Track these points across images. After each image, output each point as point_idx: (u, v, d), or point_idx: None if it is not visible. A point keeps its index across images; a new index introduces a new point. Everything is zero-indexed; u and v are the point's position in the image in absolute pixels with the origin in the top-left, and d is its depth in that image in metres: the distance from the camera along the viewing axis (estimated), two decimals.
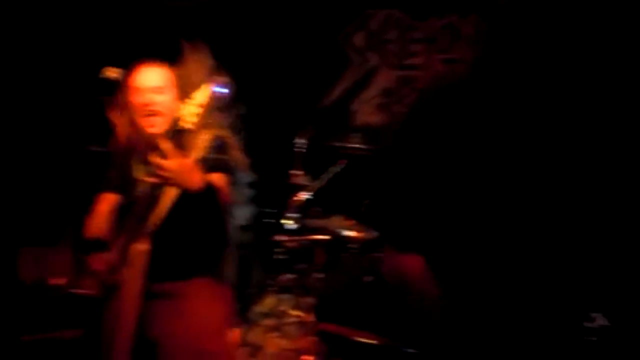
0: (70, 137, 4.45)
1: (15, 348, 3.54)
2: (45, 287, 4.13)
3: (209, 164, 2.05)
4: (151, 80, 2.27)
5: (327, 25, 4.78)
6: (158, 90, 2.25)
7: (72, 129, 4.42)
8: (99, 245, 2.18)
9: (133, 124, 2.28)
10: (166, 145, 1.95)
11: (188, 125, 1.94)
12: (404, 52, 4.73)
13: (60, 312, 3.93)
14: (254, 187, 4.63)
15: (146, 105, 2.23)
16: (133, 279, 2.02)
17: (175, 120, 1.96)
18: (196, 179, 2.00)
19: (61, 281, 4.18)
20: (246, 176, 4.68)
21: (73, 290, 3.93)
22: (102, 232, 2.26)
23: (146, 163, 2.23)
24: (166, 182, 1.97)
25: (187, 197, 2.01)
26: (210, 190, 2.06)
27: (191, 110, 1.95)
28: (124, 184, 2.28)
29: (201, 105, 1.96)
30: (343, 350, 3.17)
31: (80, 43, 4.75)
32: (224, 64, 4.52)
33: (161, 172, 1.92)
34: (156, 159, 1.92)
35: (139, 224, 2.02)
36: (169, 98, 2.27)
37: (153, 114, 2.23)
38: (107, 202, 2.36)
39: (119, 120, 2.27)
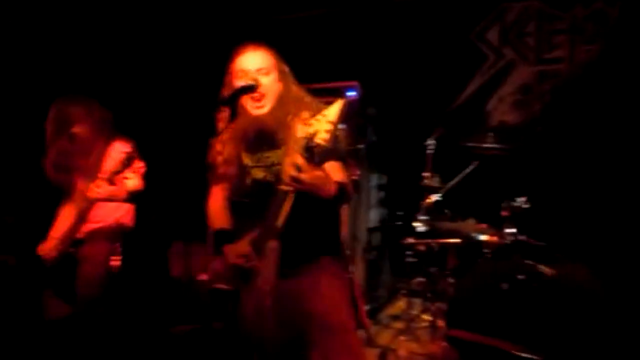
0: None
1: (166, 339, 3.83)
2: (194, 281, 4.42)
3: (324, 153, 2.08)
4: (256, 62, 2.30)
5: (459, 21, 4.63)
6: (263, 71, 2.28)
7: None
8: (227, 236, 2.34)
9: (239, 109, 2.32)
10: (300, 160, 1.98)
11: (322, 142, 1.94)
12: (544, 45, 4.45)
13: (207, 305, 4.16)
14: (383, 189, 4.70)
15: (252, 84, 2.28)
16: (268, 271, 2.19)
17: (310, 136, 1.94)
18: (330, 189, 2.15)
19: (205, 276, 4.43)
20: (376, 178, 4.72)
21: (215, 285, 4.16)
22: (225, 224, 2.41)
23: (256, 153, 2.35)
24: (302, 191, 2.05)
25: (311, 198, 2.11)
26: (341, 192, 2.19)
27: (324, 127, 1.94)
28: (233, 175, 2.39)
29: (333, 122, 1.95)
30: (474, 357, 3.04)
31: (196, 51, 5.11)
32: (353, 67, 4.62)
33: (298, 185, 2.01)
34: (293, 173, 1.98)
35: (270, 223, 2.14)
36: (273, 79, 2.30)
37: (259, 95, 2.27)
38: (220, 195, 2.48)
39: (224, 110, 2.29)
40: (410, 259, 3.90)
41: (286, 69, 2.37)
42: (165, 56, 5.23)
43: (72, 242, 3.19)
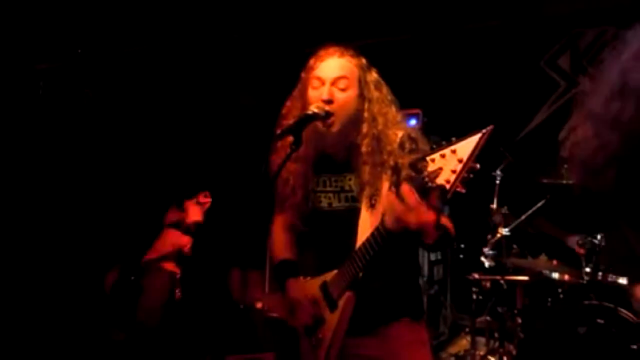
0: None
1: None
2: (250, 309, 4.36)
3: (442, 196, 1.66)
4: (334, 70, 1.94)
5: (529, 47, 4.46)
6: (341, 84, 1.93)
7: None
8: (291, 269, 2.11)
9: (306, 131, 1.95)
10: (413, 197, 1.62)
11: (444, 183, 1.52)
12: None
13: (262, 334, 4.09)
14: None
15: (325, 99, 1.91)
16: (337, 325, 1.92)
17: (430, 175, 1.54)
18: (434, 232, 1.75)
19: (260, 305, 4.37)
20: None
21: (269, 314, 4.09)
22: (288, 255, 2.16)
23: (322, 176, 2.05)
24: (404, 230, 1.70)
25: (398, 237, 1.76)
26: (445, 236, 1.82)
27: (451, 166, 1.52)
28: (299, 202, 2.08)
29: (463, 162, 1.51)
30: None
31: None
32: (415, 94, 4.51)
33: (402, 223, 1.68)
34: (426, 217, 1.65)
35: (351, 269, 1.87)
36: (350, 96, 1.94)
37: (331, 111, 1.90)
38: (284, 223, 2.19)
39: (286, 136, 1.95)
40: (476, 296, 3.69)
41: (373, 86, 1.98)
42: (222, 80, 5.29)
43: (134, 271, 3.18)
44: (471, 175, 1.54)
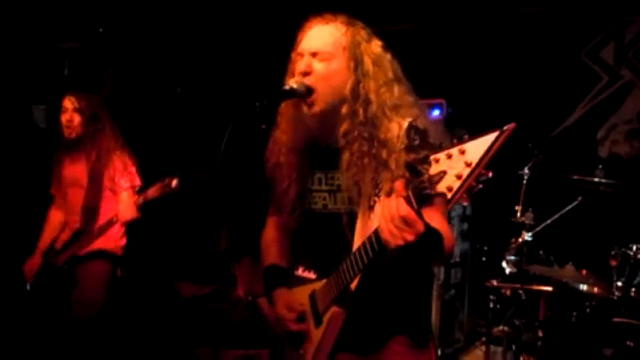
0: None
1: None
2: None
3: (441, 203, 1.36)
4: (315, 41, 1.66)
5: (569, 37, 4.11)
6: (320, 56, 1.65)
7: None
8: (280, 275, 1.87)
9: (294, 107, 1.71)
10: (406, 211, 1.30)
11: (445, 191, 1.23)
12: None
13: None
14: (468, 220, 4.30)
15: (301, 72, 1.65)
16: (322, 342, 1.67)
17: (429, 180, 1.25)
18: (446, 247, 1.50)
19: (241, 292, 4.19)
20: (460, 208, 4.29)
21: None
22: (278, 259, 1.92)
23: (316, 171, 1.78)
24: (400, 248, 1.36)
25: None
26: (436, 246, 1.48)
27: (456, 170, 1.21)
28: (292, 201, 1.82)
29: (472, 166, 1.19)
30: None
31: None
32: (439, 83, 4.23)
33: (404, 238, 1.33)
34: (409, 236, 1.33)
35: (339, 281, 1.61)
36: (334, 68, 1.64)
37: (311, 85, 1.64)
38: (276, 223, 1.96)
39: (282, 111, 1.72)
40: (493, 304, 3.42)
41: (369, 60, 1.66)
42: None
43: (68, 259, 2.99)
44: (480, 186, 1.21)
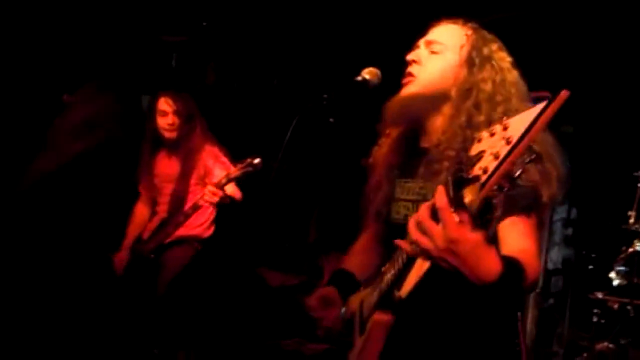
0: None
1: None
2: None
3: (510, 200, 1.21)
4: (434, 34, 1.57)
5: None
6: (432, 47, 1.54)
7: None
8: (348, 282, 1.73)
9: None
10: (445, 206, 1.11)
11: (480, 174, 1.04)
12: None
13: None
14: (572, 224, 4.11)
15: (410, 60, 1.56)
16: (367, 352, 1.50)
17: (466, 163, 1.08)
18: (485, 270, 1.19)
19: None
20: (564, 211, 4.04)
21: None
22: (353, 266, 1.78)
23: (402, 178, 1.61)
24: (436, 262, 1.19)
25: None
26: (507, 278, 1.22)
27: (495, 149, 1.02)
28: (378, 208, 1.66)
29: (513, 142, 1.00)
30: None
31: None
32: (544, 74, 3.96)
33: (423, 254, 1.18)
34: (415, 234, 1.18)
35: (386, 285, 1.44)
36: (446, 63, 1.52)
37: (409, 75, 1.53)
38: (370, 233, 1.81)
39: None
40: (597, 318, 3.18)
41: (492, 70, 1.49)
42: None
43: (154, 248, 3.10)
44: (526, 169, 1.00)
